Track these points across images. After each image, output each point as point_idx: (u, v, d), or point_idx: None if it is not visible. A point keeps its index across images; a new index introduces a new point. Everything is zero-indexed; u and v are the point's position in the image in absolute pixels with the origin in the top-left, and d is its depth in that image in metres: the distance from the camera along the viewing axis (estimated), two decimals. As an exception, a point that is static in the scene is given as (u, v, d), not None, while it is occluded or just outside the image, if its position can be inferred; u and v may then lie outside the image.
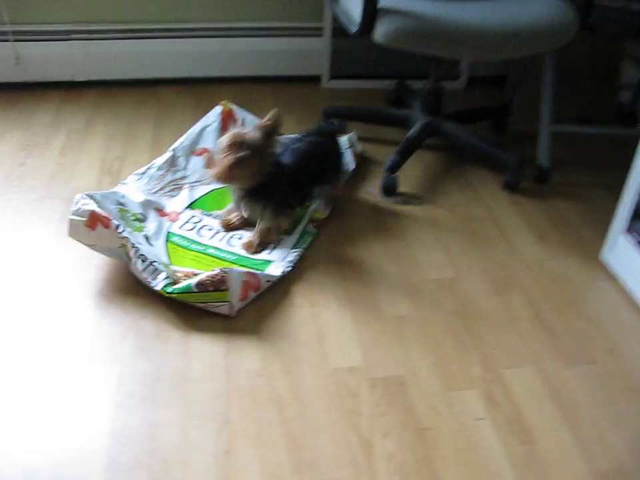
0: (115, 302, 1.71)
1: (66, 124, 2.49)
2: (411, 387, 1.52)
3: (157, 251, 1.85)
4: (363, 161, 2.35)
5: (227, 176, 1.81)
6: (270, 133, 1.84)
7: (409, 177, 2.27)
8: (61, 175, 2.21)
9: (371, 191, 2.19)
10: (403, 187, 2.20)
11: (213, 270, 1.67)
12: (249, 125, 2.34)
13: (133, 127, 2.50)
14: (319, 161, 2.01)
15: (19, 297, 1.72)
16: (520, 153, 2.30)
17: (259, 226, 1.91)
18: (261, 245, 1.90)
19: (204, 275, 1.66)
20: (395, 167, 2.15)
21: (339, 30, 2.70)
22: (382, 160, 2.36)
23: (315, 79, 2.85)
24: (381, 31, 1.92)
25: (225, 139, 1.81)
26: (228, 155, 1.79)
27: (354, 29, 2.00)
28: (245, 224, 1.97)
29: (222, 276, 1.64)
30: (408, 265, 1.89)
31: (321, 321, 1.68)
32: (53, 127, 2.47)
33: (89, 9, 2.64)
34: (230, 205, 1.98)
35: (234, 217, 1.98)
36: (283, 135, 1.92)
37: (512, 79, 2.64)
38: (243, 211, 1.94)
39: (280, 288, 1.78)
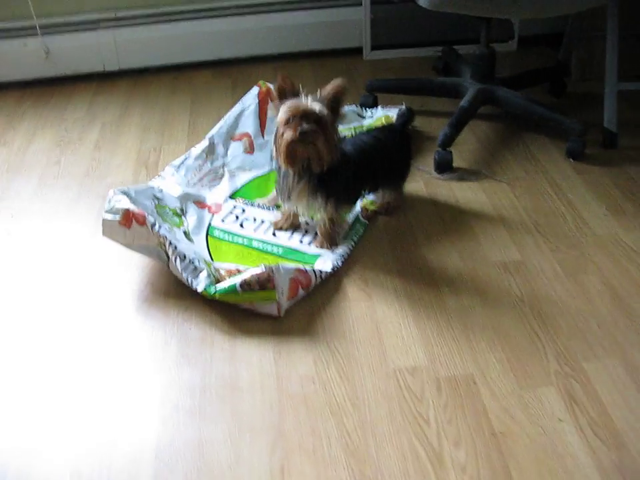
0: (157, 305, 1.61)
1: (99, 117, 2.40)
2: (481, 387, 1.38)
3: (197, 247, 1.74)
4: (412, 135, 2.19)
5: (289, 154, 1.56)
6: (334, 104, 1.57)
7: (463, 150, 2.11)
8: (96, 171, 2.11)
9: (424, 169, 2.03)
10: (457, 162, 2.04)
11: (258, 267, 1.55)
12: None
13: (168, 116, 2.39)
14: (384, 158, 1.75)
15: (56, 302, 1.64)
16: (582, 117, 2.12)
17: (321, 221, 1.72)
18: (332, 239, 1.73)
19: (248, 273, 1.54)
20: (448, 141, 1.99)
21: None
22: (433, 133, 2.20)
23: (355, 51, 2.70)
24: (426, -6, 1.76)
25: (284, 110, 1.55)
26: (288, 129, 1.55)
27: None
28: (296, 224, 1.82)
29: (268, 273, 1.52)
30: (469, 248, 1.73)
31: (378, 316, 1.55)
32: (86, 121, 2.38)
33: (116, -5, 2.54)
34: (273, 194, 1.85)
35: (284, 220, 1.80)
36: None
37: (569, 36, 2.43)
38: (296, 205, 1.70)
39: (331, 281, 1.65)
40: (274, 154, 1.62)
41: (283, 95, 1.57)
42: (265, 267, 1.53)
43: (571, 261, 1.69)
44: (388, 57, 2.69)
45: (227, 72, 2.64)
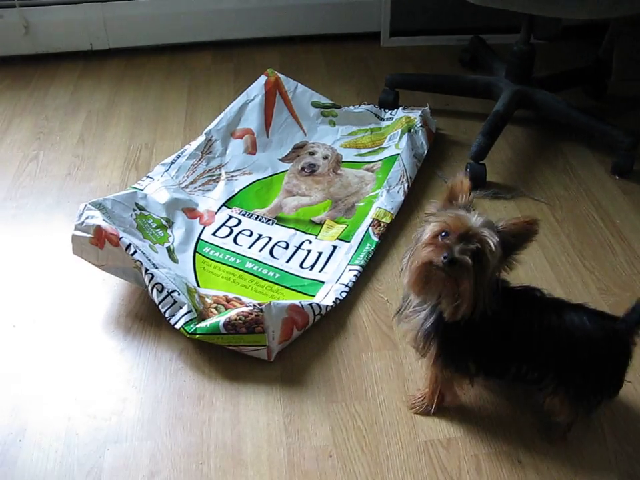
0: (146, 347, 1.38)
1: (85, 104, 2.13)
2: (528, 468, 1.17)
3: (182, 268, 1.52)
4: (435, 139, 1.95)
5: (419, 278, 1.08)
6: (510, 243, 1.08)
7: (496, 161, 1.87)
8: (78, 170, 1.86)
9: (452, 183, 1.79)
10: (489, 175, 1.80)
11: (247, 305, 1.33)
12: (299, 96, 1.97)
13: (163, 105, 2.13)
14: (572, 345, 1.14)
15: (26, 329, 1.42)
16: (625, 124, 1.88)
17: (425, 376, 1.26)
18: (428, 404, 1.26)
19: (234, 311, 1.31)
20: (482, 153, 1.76)
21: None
22: (459, 137, 1.97)
23: (373, 37, 2.43)
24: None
25: (440, 220, 1.07)
26: (432, 247, 1.07)
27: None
28: None
29: (257, 314, 1.29)
30: (507, 286, 1.51)
31: (405, 371, 1.33)
32: (69, 109, 2.11)
33: (106, -36, 2.26)
34: (275, 203, 1.59)
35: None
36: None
37: (612, 30, 2.17)
38: (404, 333, 1.25)
39: (349, 321, 1.43)
40: (403, 265, 1.14)
41: (451, 200, 1.13)
42: (254, 307, 1.30)
43: (623, 304, 1.44)
44: (408, 44, 2.42)
45: (229, 55, 2.37)
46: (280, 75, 1.99)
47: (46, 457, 1.19)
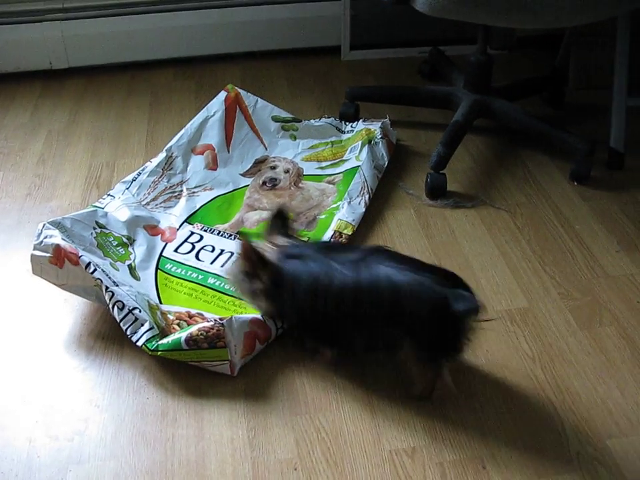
0: (109, 365, 1.37)
1: (45, 124, 2.12)
2: (493, 474, 1.17)
3: (144, 285, 1.51)
4: (396, 150, 1.96)
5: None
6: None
7: (457, 170, 1.89)
8: (39, 190, 1.84)
9: (413, 193, 1.81)
10: (450, 185, 1.81)
11: (208, 320, 1.33)
12: (260, 111, 1.98)
13: (124, 123, 2.12)
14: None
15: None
16: (583, 130, 1.92)
17: None
18: None
19: (195, 327, 1.31)
20: (442, 163, 1.77)
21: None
22: (420, 148, 1.99)
23: (333, 50, 2.44)
24: (424, -2, 1.52)
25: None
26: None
27: (387, -5, 1.59)
28: None
29: (218, 329, 1.29)
30: (469, 293, 1.52)
31: (369, 382, 1.33)
32: (29, 128, 2.10)
33: (63, -18, 2.25)
34: (236, 218, 1.60)
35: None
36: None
37: (567, 40, 2.21)
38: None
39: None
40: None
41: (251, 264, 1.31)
42: (215, 322, 1.30)
43: (583, 308, 1.49)
44: (369, 57, 2.44)
45: (191, 72, 2.37)
46: (240, 90, 1.99)
47: (6, 481, 1.17)
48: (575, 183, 1.85)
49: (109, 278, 1.40)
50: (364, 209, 1.71)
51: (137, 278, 1.52)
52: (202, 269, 1.57)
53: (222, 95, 1.98)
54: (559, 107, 2.17)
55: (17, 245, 1.65)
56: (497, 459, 1.20)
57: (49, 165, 1.94)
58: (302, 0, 2.36)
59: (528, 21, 1.54)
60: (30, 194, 1.83)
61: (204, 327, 1.30)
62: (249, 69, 2.37)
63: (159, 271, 1.56)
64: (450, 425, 1.25)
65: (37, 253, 1.43)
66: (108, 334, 1.43)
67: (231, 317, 1.31)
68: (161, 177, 1.80)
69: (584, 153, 1.83)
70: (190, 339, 1.29)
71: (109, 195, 1.71)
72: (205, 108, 1.96)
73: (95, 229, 1.57)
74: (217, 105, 1.97)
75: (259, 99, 2.00)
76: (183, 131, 1.90)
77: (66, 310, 1.48)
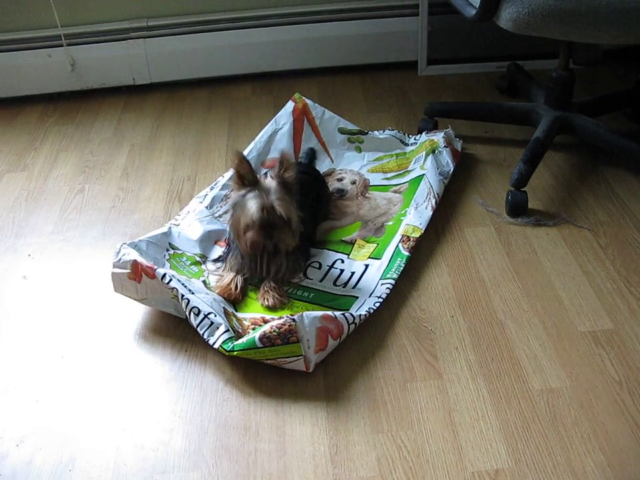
0: (192, 377, 1.39)
1: (128, 138, 2.18)
2: (580, 501, 1.15)
3: (219, 296, 1.53)
4: (473, 166, 1.95)
5: (254, 250, 1.50)
6: (290, 183, 1.51)
7: (537, 187, 1.86)
8: (123, 203, 1.90)
9: (493, 211, 1.78)
10: (531, 202, 1.79)
11: (280, 318, 1.35)
12: (327, 122, 2.00)
13: (204, 138, 2.16)
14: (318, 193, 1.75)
15: (71, 357, 1.45)
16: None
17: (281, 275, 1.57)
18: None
19: (268, 325, 1.34)
20: (523, 181, 1.75)
21: (436, 6, 2.30)
22: (500, 165, 1.96)
23: (410, 66, 2.44)
24: (509, 14, 1.51)
25: (248, 218, 1.47)
26: (252, 232, 1.48)
27: (470, 11, 1.59)
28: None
29: (290, 325, 1.31)
30: (552, 314, 1.49)
31: (451, 401, 1.31)
32: (113, 143, 2.16)
33: (147, 2, 2.33)
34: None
35: (232, 285, 1.54)
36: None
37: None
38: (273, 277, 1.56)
39: (393, 351, 1.43)
40: (232, 236, 1.55)
41: (242, 179, 1.50)
42: (287, 318, 1.32)
43: None
44: (445, 72, 2.43)
45: (269, 87, 2.40)
46: (307, 101, 2.01)
47: (95, 488, 1.20)
48: (662, 202, 1.80)
49: (184, 286, 1.44)
50: (431, 212, 1.72)
51: (212, 290, 1.55)
52: None
53: (290, 105, 2.01)
54: (641, 123, 2.12)
55: (102, 257, 1.69)
56: (583, 483, 1.17)
57: (132, 178, 1.99)
58: (379, 16, 2.37)
59: (618, 36, 1.51)
60: (114, 206, 1.88)
61: (276, 324, 1.33)
62: (326, 84, 2.39)
63: None
64: (534, 448, 1.23)
65: (117, 270, 1.48)
66: (191, 347, 1.45)
67: (302, 313, 1.34)
68: (232, 191, 1.82)
69: (670, 170, 1.78)
70: (263, 337, 1.32)
71: (184, 210, 1.76)
72: (273, 120, 1.99)
73: (167, 250, 1.61)
74: (285, 116, 1.99)
75: (325, 109, 2.02)
76: (252, 144, 1.93)
77: (149, 322, 1.52)
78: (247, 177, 1.49)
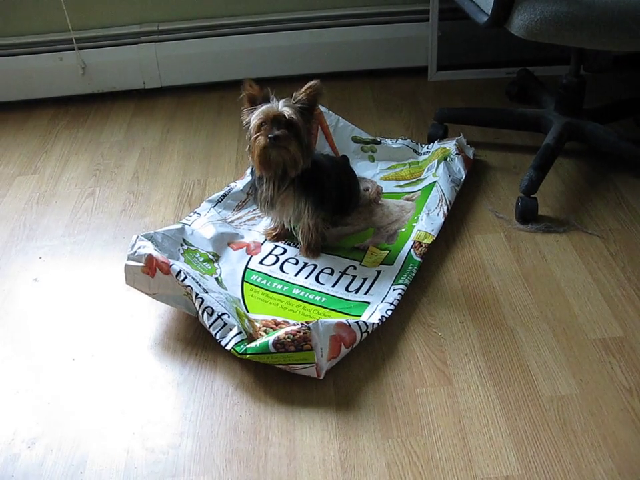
0: (202, 380, 1.40)
1: (139, 141, 2.19)
2: (592, 509, 1.15)
3: (232, 295, 1.54)
4: (484, 172, 1.95)
5: (263, 160, 1.51)
6: (307, 107, 1.53)
7: (547, 194, 1.86)
8: (133, 206, 1.90)
9: (503, 217, 1.79)
10: (541, 209, 1.79)
11: (294, 324, 1.36)
12: (341, 130, 2.01)
13: (214, 142, 2.17)
14: (350, 180, 1.80)
15: (82, 360, 1.45)
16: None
17: (305, 227, 1.65)
18: (317, 248, 1.67)
19: (283, 331, 1.34)
20: (533, 187, 1.75)
21: (447, 11, 2.30)
22: (509, 171, 1.97)
23: (420, 71, 2.45)
24: (521, 21, 1.52)
25: (255, 116, 1.51)
26: (260, 136, 1.49)
27: (482, 18, 1.59)
28: (288, 233, 1.72)
29: (304, 332, 1.32)
30: (562, 321, 1.49)
31: (460, 407, 1.32)
32: (124, 146, 2.17)
33: (159, 6, 2.34)
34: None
35: (276, 229, 1.72)
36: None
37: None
38: (280, 212, 1.63)
39: (403, 357, 1.43)
40: (250, 161, 1.58)
41: (253, 102, 1.54)
42: (302, 325, 1.33)
43: None
44: (455, 78, 2.44)
45: (279, 92, 2.39)
46: (322, 108, 2.01)
47: (106, 490, 1.21)
48: (672, 209, 1.80)
49: (199, 285, 1.45)
50: (443, 219, 1.72)
51: (224, 288, 1.56)
52: (287, 280, 1.60)
53: None
54: (651, 130, 2.12)
55: (112, 260, 1.70)
56: (595, 492, 1.17)
57: (143, 181, 2.00)
58: (389, 21, 2.38)
59: (630, 43, 1.51)
60: (125, 210, 1.89)
61: (291, 330, 1.33)
62: (336, 89, 2.40)
63: (244, 282, 1.60)
64: (543, 455, 1.23)
65: (131, 262, 1.48)
66: (201, 351, 1.46)
67: (317, 321, 1.34)
68: (245, 201, 1.84)
69: (681, 178, 1.78)
70: (277, 342, 1.32)
71: (195, 212, 1.77)
72: None
73: (182, 245, 1.62)
74: None
75: (340, 117, 2.03)
76: None
77: (160, 325, 1.53)
78: (257, 97, 1.53)
